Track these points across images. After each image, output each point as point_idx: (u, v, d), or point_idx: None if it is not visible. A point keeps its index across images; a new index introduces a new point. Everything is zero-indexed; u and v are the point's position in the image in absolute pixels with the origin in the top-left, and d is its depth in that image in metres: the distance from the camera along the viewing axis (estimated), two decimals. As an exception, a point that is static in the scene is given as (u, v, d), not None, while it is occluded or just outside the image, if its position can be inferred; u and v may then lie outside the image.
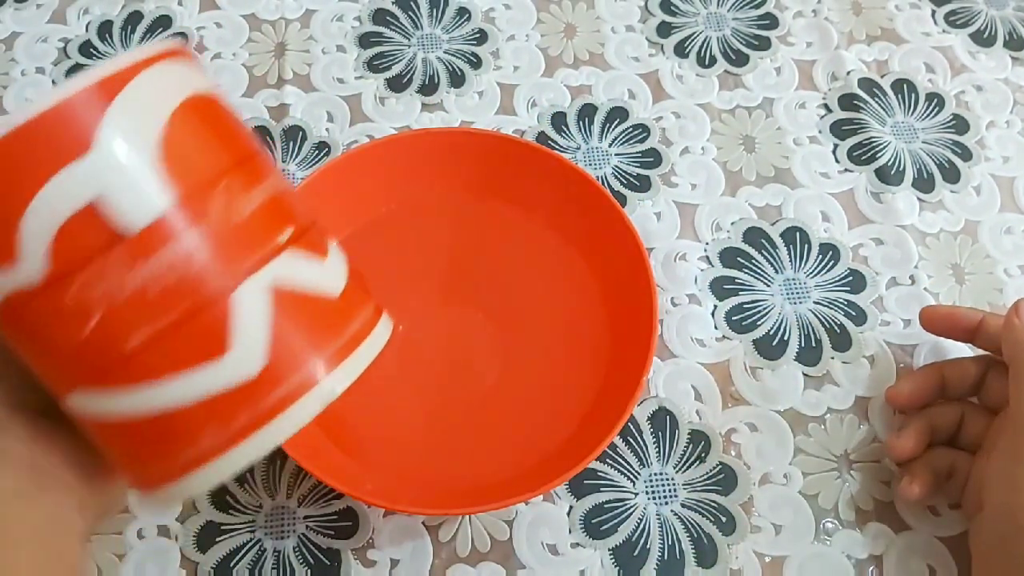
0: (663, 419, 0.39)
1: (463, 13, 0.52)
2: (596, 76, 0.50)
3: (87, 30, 0.50)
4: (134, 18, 0.51)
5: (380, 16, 0.52)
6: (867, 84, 0.50)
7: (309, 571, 0.35)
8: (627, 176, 0.46)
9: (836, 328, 0.41)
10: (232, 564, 0.35)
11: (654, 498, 0.37)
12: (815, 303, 0.42)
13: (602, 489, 0.37)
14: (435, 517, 0.36)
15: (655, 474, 0.38)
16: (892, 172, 0.46)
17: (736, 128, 0.48)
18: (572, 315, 0.41)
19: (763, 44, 0.51)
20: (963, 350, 0.39)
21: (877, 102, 0.49)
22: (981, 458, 0.35)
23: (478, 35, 0.51)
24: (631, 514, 0.37)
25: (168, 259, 0.20)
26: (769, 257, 0.44)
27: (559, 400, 0.38)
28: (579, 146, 0.47)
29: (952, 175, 0.47)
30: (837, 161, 0.47)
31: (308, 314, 0.22)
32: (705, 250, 0.44)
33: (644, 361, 0.35)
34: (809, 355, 0.41)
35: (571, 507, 0.37)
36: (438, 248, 0.42)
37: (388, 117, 0.48)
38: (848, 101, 0.49)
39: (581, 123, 0.48)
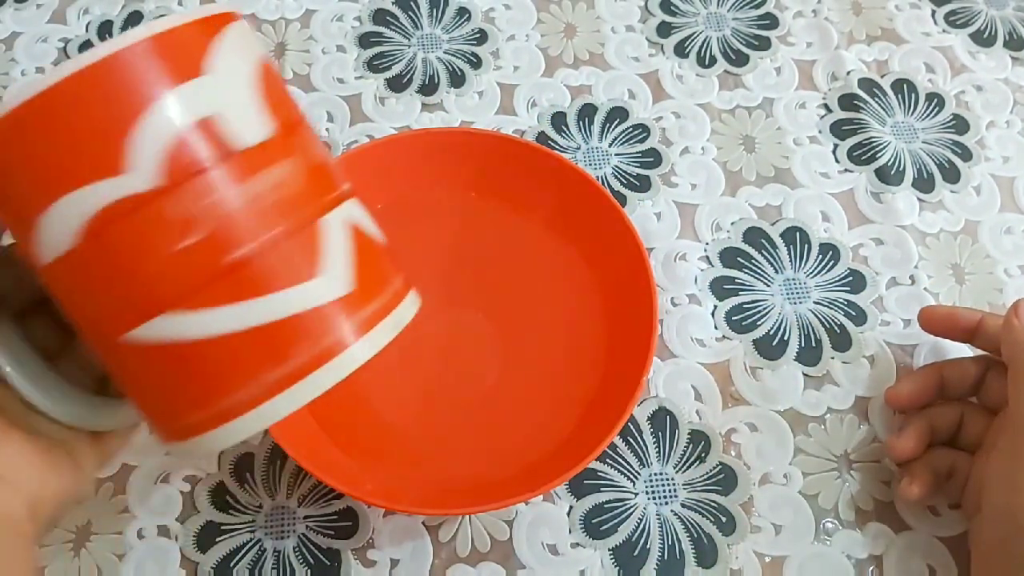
0: (663, 419, 0.39)
1: (463, 13, 0.52)
2: (596, 76, 0.50)
3: (87, 30, 0.50)
4: (134, 18, 0.51)
5: (380, 16, 0.52)
6: (867, 84, 0.50)
7: (309, 571, 0.35)
8: (627, 176, 0.46)
9: (836, 328, 0.41)
10: (232, 564, 0.35)
11: (654, 498, 0.37)
12: (815, 303, 0.42)
13: (602, 489, 0.37)
14: (435, 517, 0.36)
15: (655, 474, 0.38)
16: (892, 172, 0.46)
17: (736, 128, 0.48)
18: (572, 315, 0.41)
19: (763, 44, 0.51)
20: (963, 350, 0.39)
21: (877, 102, 0.49)
22: (981, 458, 0.35)
23: (478, 35, 0.51)
24: (631, 514, 0.37)
25: (273, 178, 0.21)
26: (769, 257, 0.44)
27: (559, 400, 0.38)
28: (579, 146, 0.47)
29: (952, 175, 0.47)
30: (837, 161, 0.47)
31: (377, 251, 0.24)
32: (705, 250, 0.44)
33: (644, 361, 0.35)
34: (809, 355, 0.41)
35: (571, 507, 0.37)
36: (438, 248, 0.42)
37: (388, 117, 0.48)
38: (848, 101, 0.49)
39: (581, 123, 0.48)
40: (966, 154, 0.47)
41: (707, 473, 0.38)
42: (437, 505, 0.35)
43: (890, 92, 0.50)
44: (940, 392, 0.37)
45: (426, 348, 0.40)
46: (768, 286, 0.43)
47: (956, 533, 0.36)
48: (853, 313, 0.42)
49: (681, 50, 0.51)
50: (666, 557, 0.36)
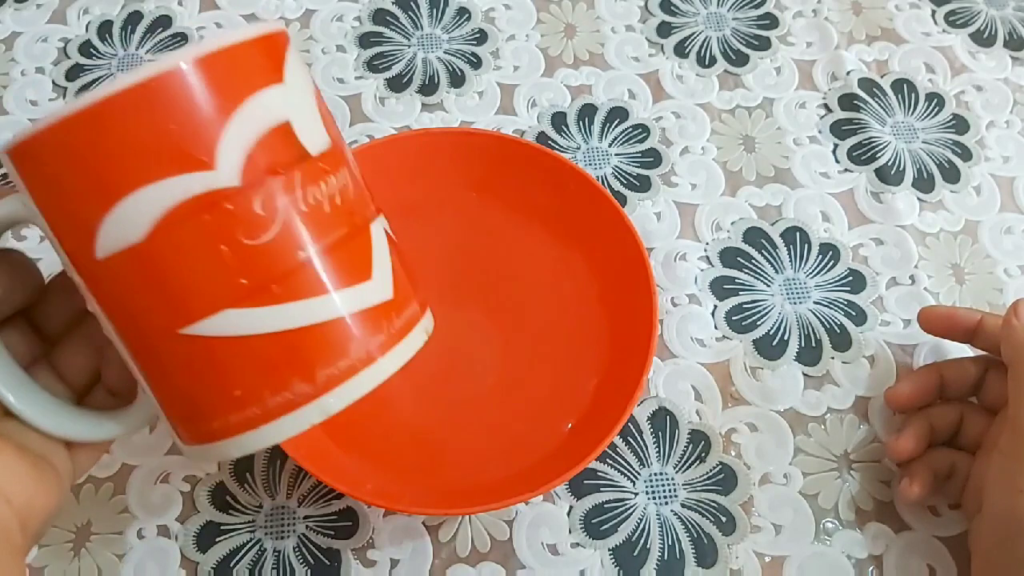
0: (663, 419, 0.39)
1: (463, 13, 0.52)
2: (596, 76, 0.50)
3: (87, 30, 0.50)
4: (134, 18, 0.51)
5: (380, 16, 0.52)
6: (867, 84, 0.50)
7: (309, 571, 0.35)
8: (627, 176, 0.46)
9: (836, 328, 0.41)
10: (232, 564, 0.35)
11: (654, 498, 0.37)
12: (815, 303, 0.42)
13: (602, 489, 0.37)
14: (435, 517, 0.36)
15: (655, 474, 0.38)
16: (892, 172, 0.46)
17: (736, 128, 0.48)
18: (572, 315, 0.41)
19: (763, 44, 0.51)
20: (963, 350, 0.39)
21: (877, 102, 0.49)
22: (981, 458, 0.35)
23: (478, 35, 0.51)
24: (631, 514, 0.37)
25: (336, 184, 0.23)
26: (769, 257, 0.44)
27: (559, 400, 0.38)
28: (579, 146, 0.47)
29: (952, 175, 0.47)
30: (837, 161, 0.47)
31: (406, 261, 0.26)
32: (705, 250, 0.44)
33: (644, 361, 0.35)
34: (809, 355, 0.41)
35: (571, 507, 0.37)
36: (438, 248, 0.42)
37: (388, 117, 0.48)
38: (848, 101, 0.49)
39: (581, 123, 0.48)
40: (966, 154, 0.47)
41: (707, 473, 0.38)
42: (437, 505, 0.35)
43: (890, 92, 0.50)
44: (940, 392, 0.37)
45: (426, 348, 0.39)
46: (768, 286, 0.43)
47: (956, 533, 0.36)
48: (853, 313, 0.42)
49: (681, 50, 0.51)
50: (666, 557, 0.36)
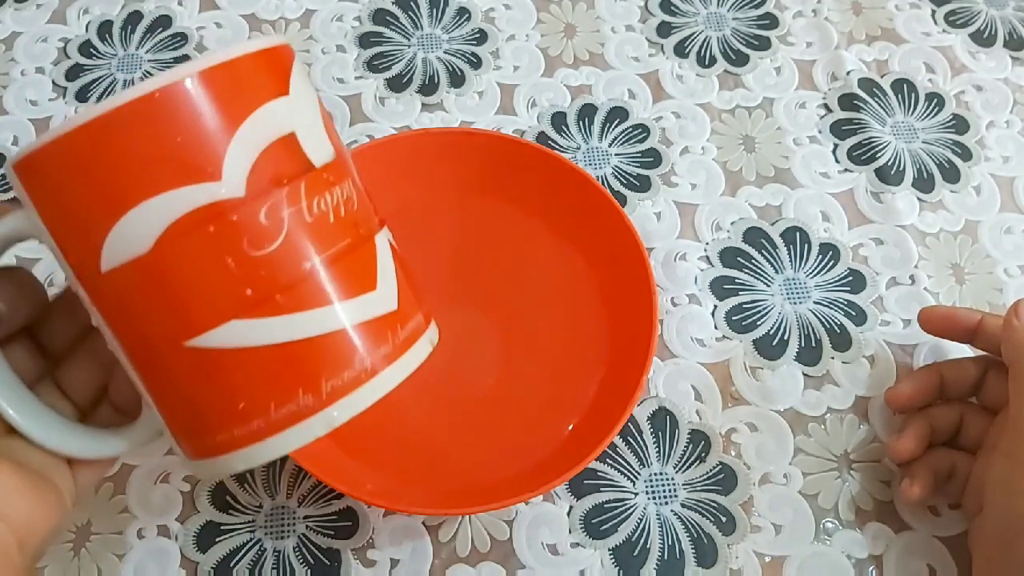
0: (663, 419, 0.39)
1: (463, 13, 0.52)
2: (596, 76, 0.50)
3: (87, 30, 0.50)
4: (134, 18, 0.51)
5: (380, 16, 0.52)
6: (867, 84, 0.50)
7: (309, 571, 0.35)
8: (627, 176, 0.46)
9: (836, 328, 0.41)
10: (232, 564, 0.35)
11: (654, 498, 0.37)
12: (815, 303, 0.42)
13: (602, 489, 0.37)
14: (435, 517, 0.36)
15: (655, 474, 0.38)
16: (892, 172, 0.46)
17: (736, 128, 0.48)
18: (572, 315, 0.41)
19: (763, 44, 0.51)
20: (963, 350, 0.39)
21: (877, 102, 0.49)
22: (981, 459, 0.35)
23: (478, 35, 0.51)
24: (631, 514, 0.37)
25: (341, 195, 0.23)
26: (769, 257, 0.44)
27: (559, 400, 0.38)
28: (579, 146, 0.47)
29: (952, 175, 0.47)
30: (837, 161, 0.47)
31: (410, 273, 0.26)
32: (705, 250, 0.44)
33: (644, 361, 0.35)
34: (809, 355, 0.41)
35: (571, 507, 0.37)
36: (438, 248, 0.42)
37: (388, 117, 0.48)
38: (848, 101, 0.49)
39: (581, 123, 0.48)
40: (966, 154, 0.47)
41: (707, 473, 0.38)
42: (437, 505, 0.35)
43: (890, 92, 0.50)
44: (940, 392, 0.37)
45: (426, 348, 0.39)
46: (768, 286, 0.43)
47: (956, 533, 0.36)
48: (853, 313, 0.42)
49: (681, 50, 0.51)
50: (666, 557, 0.36)
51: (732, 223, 0.44)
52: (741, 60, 0.51)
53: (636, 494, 0.37)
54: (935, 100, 0.50)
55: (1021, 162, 0.47)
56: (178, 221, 0.20)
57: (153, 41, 0.50)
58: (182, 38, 0.50)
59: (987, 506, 0.33)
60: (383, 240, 0.25)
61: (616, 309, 0.40)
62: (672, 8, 0.53)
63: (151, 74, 0.49)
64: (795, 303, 0.42)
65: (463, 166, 0.42)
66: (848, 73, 0.50)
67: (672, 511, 0.37)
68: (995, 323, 0.35)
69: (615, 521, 0.37)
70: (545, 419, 0.38)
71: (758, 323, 0.42)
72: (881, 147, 0.47)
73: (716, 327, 0.41)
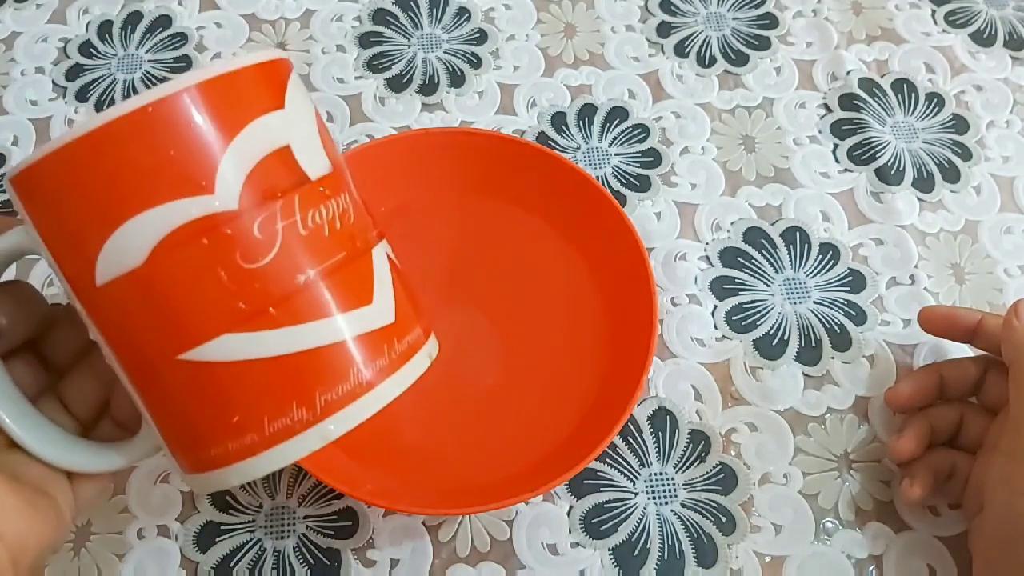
0: (663, 419, 0.39)
1: (463, 13, 0.52)
2: (596, 76, 0.50)
3: (87, 30, 0.50)
4: (134, 18, 0.51)
5: (380, 16, 0.52)
6: (867, 84, 0.50)
7: (309, 571, 0.35)
8: (627, 176, 0.46)
9: (836, 328, 0.41)
10: (232, 564, 0.35)
11: (654, 498, 0.37)
12: (815, 303, 0.42)
13: (602, 489, 0.37)
14: (435, 517, 0.36)
15: (655, 474, 0.38)
16: (892, 172, 0.46)
17: (736, 128, 0.48)
18: (572, 315, 0.41)
19: (763, 44, 0.51)
20: (963, 350, 0.39)
21: (877, 102, 0.49)
22: (981, 459, 0.35)
23: (478, 35, 0.51)
24: (631, 514, 0.37)
25: (336, 208, 0.23)
26: (769, 257, 0.44)
27: (559, 400, 0.38)
28: (579, 146, 0.47)
29: (952, 175, 0.47)
30: (837, 161, 0.47)
31: (409, 287, 0.26)
32: (705, 250, 0.44)
33: (644, 361, 0.35)
34: (809, 355, 0.41)
35: (571, 507, 0.37)
36: (438, 248, 0.42)
37: (388, 117, 0.48)
38: (848, 101, 0.49)
39: (581, 123, 0.48)
40: (966, 154, 0.47)
41: (707, 473, 0.38)
42: (437, 505, 0.35)
43: (890, 92, 0.50)
44: (940, 392, 0.37)
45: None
46: (768, 286, 0.43)
47: (956, 533, 0.36)
48: (853, 313, 0.42)
49: (681, 50, 0.51)
50: (666, 557, 0.36)
51: (732, 223, 0.44)
52: (741, 60, 0.51)
53: (636, 494, 0.37)
54: (935, 100, 0.50)
55: (1021, 162, 0.47)
56: (172, 234, 0.20)
57: (153, 41, 0.50)
58: (182, 38, 0.50)
59: (987, 506, 0.33)
60: (380, 253, 0.24)
61: (616, 309, 0.40)
62: (672, 8, 0.53)
63: (151, 74, 0.49)
64: (795, 303, 0.42)
65: (463, 166, 0.42)
66: (848, 73, 0.50)
67: (672, 511, 0.37)
68: (995, 323, 0.35)
69: (615, 521, 0.37)
70: (545, 419, 0.38)
71: (758, 323, 0.42)
72: (881, 147, 0.47)
73: (716, 327, 0.41)
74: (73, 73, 0.48)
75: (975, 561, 0.34)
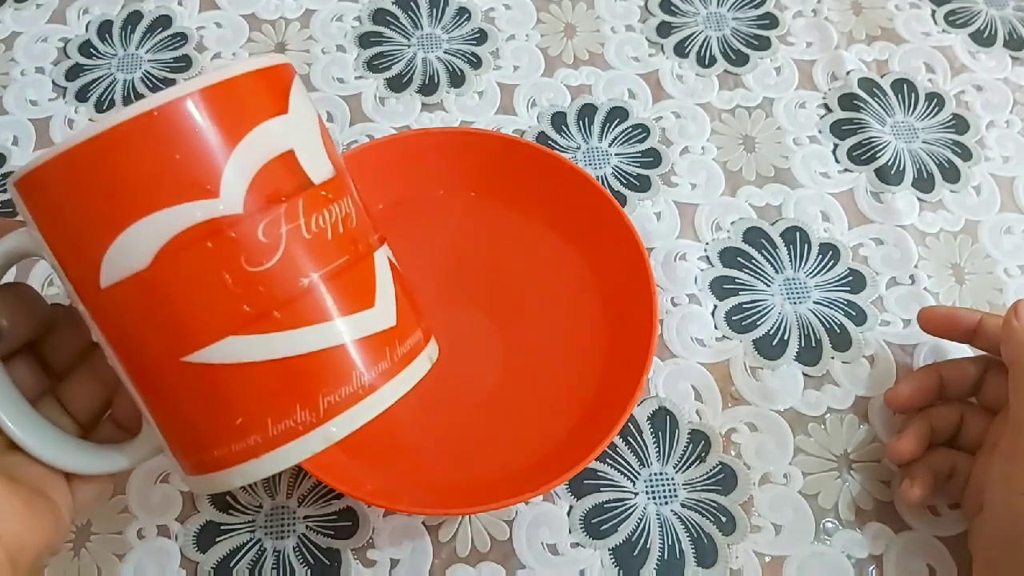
0: (663, 419, 0.39)
1: (463, 13, 0.52)
2: (596, 76, 0.50)
3: (87, 30, 0.50)
4: (134, 18, 0.51)
5: (380, 16, 0.52)
6: (867, 84, 0.50)
7: (309, 571, 0.35)
8: (627, 176, 0.46)
9: (836, 328, 0.41)
10: (232, 564, 0.35)
11: (654, 498, 0.37)
12: (815, 303, 0.42)
13: (602, 489, 0.37)
14: (435, 517, 0.36)
15: (655, 474, 0.38)
16: (892, 172, 0.46)
17: (736, 128, 0.48)
18: (572, 315, 0.41)
19: (763, 44, 0.51)
20: (963, 350, 0.39)
21: (877, 102, 0.49)
22: (981, 459, 0.35)
23: (478, 35, 0.51)
24: (631, 514, 0.37)
25: (340, 212, 0.23)
26: (769, 257, 0.44)
27: (559, 400, 0.38)
28: (579, 146, 0.47)
29: (952, 175, 0.47)
30: (837, 161, 0.47)
31: (410, 290, 0.26)
32: (705, 250, 0.44)
33: (644, 361, 0.35)
34: (809, 355, 0.41)
35: (571, 507, 0.37)
36: (438, 248, 0.42)
37: (388, 117, 0.48)
38: (848, 101, 0.49)
39: (581, 123, 0.48)
40: (966, 154, 0.47)
41: (707, 473, 0.38)
42: (437, 505, 0.35)
43: (890, 92, 0.50)
44: (940, 393, 0.37)
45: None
46: (768, 286, 0.43)
47: (956, 533, 0.36)
48: (853, 313, 0.42)
49: (681, 50, 0.51)
50: (666, 557, 0.36)
51: (732, 223, 0.44)
52: (741, 60, 0.51)
53: (636, 494, 0.37)
54: (935, 100, 0.50)
55: (1021, 162, 0.47)
56: (176, 237, 0.20)
57: (153, 41, 0.50)
58: (182, 38, 0.50)
59: (987, 506, 0.33)
60: (382, 257, 0.25)
61: (616, 309, 0.40)
62: (672, 8, 0.53)
63: (151, 74, 0.49)
64: (795, 303, 0.42)
65: (463, 166, 0.42)
66: (848, 73, 0.50)
67: (672, 511, 0.37)
68: (995, 323, 0.35)
69: (615, 521, 0.37)
70: (545, 419, 0.38)
71: (758, 323, 0.42)
72: (881, 147, 0.47)
73: (716, 327, 0.41)
74: (73, 73, 0.48)
75: (975, 561, 0.34)
